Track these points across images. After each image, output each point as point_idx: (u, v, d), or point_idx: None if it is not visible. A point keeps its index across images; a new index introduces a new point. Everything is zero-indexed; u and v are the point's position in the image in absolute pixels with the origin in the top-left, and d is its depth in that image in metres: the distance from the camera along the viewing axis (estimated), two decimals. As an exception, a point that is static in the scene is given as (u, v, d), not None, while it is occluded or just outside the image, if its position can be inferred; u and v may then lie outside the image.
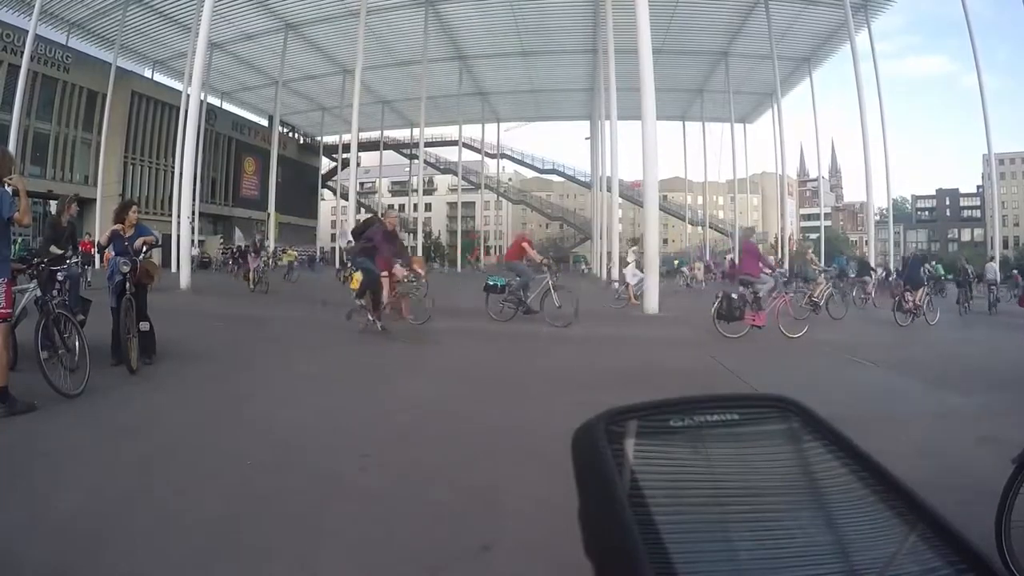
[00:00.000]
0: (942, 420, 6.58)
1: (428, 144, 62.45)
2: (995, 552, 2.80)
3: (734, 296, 12.87)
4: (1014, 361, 11.19)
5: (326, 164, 78.67)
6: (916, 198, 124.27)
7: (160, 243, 9.21)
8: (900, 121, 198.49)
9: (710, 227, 72.80)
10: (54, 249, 9.27)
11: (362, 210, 68.73)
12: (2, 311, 5.78)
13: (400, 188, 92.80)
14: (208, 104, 52.03)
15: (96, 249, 16.56)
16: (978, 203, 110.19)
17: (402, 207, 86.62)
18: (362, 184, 77.93)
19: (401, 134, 73.71)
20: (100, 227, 33.11)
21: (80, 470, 4.37)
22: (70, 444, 4.99)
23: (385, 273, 12.64)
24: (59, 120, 47.55)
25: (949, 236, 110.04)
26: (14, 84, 33.99)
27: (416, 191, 64.28)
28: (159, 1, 42.87)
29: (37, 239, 8.69)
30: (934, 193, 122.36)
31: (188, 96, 33.62)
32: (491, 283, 14.16)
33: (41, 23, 37.08)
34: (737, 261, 16.23)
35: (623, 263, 23.18)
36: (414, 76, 49.32)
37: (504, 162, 79.30)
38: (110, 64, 45.06)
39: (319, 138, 74.81)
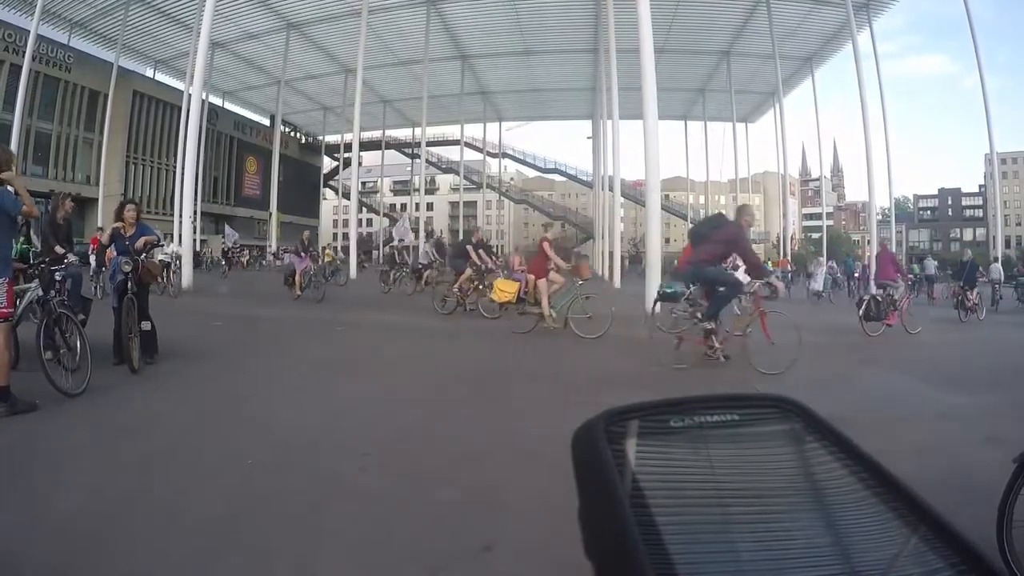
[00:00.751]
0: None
1: (430, 143, 62.52)
2: (996, 552, 2.79)
3: (879, 299, 13.83)
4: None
5: (328, 163, 78.87)
6: (918, 197, 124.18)
7: (162, 242, 9.20)
8: (902, 121, 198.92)
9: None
10: (58, 249, 9.26)
11: (364, 209, 68.85)
12: (3, 310, 5.79)
13: (402, 187, 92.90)
14: (210, 104, 52.15)
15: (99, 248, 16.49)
16: (980, 202, 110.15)
17: (404, 206, 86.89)
18: (364, 184, 77.88)
19: (403, 133, 73.86)
20: (100, 228, 33.15)
21: (80, 469, 4.37)
22: (71, 443, 4.99)
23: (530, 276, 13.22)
24: (61, 120, 47.71)
25: (951, 236, 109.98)
26: (16, 84, 33.99)
27: (418, 190, 64.18)
28: (161, 0, 42.88)
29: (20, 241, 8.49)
30: (936, 193, 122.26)
31: (190, 96, 33.60)
32: (668, 291, 11.97)
33: (43, 23, 37.05)
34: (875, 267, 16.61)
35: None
36: (416, 75, 49.23)
37: (506, 161, 79.37)
38: (112, 64, 45.05)
39: (321, 137, 74.99)
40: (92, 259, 17.56)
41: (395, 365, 9.22)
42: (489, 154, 71.53)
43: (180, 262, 22.50)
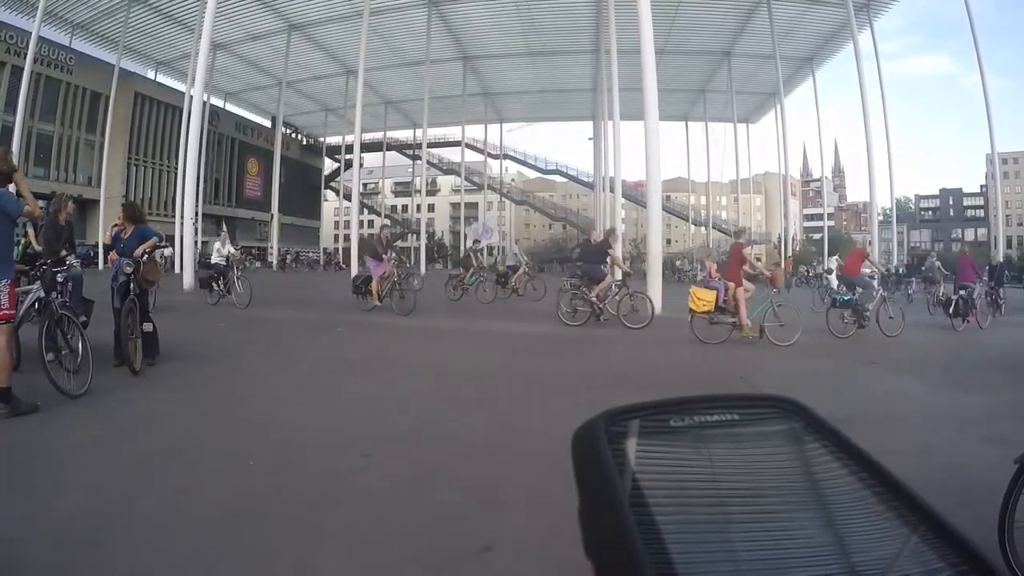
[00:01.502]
0: None
1: (431, 145, 62.55)
2: (998, 553, 2.79)
3: (964, 299, 15.96)
4: None
5: (329, 165, 78.95)
6: (920, 198, 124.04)
7: (164, 243, 9.18)
8: (903, 121, 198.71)
9: (713, 227, 72.61)
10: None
11: (365, 210, 68.85)
12: (5, 312, 5.80)
13: (403, 189, 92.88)
14: (211, 105, 52.14)
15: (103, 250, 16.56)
16: (982, 203, 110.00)
17: (405, 208, 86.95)
18: (365, 185, 77.91)
19: (404, 135, 73.78)
20: (103, 228, 33.21)
21: (81, 470, 4.38)
22: (72, 444, 5.00)
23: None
24: (62, 121, 47.79)
25: (953, 236, 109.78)
26: (18, 86, 34.05)
27: (419, 192, 64.20)
28: (162, 2, 42.94)
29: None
30: (937, 193, 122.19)
31: (191, 97, 33.62)
32: (845, 299, 13.74)
33: (44, 24, 37.13)
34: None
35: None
36: (417, 76, 49.31)
37: (507, 163, 79.33)
38: (113, 65, 45.20)
39: (322, 139, 75.13)
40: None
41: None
42: (490, 155, 71.52)
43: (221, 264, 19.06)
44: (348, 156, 56.72)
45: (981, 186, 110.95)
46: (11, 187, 6.04)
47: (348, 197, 54.31)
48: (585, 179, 73.71)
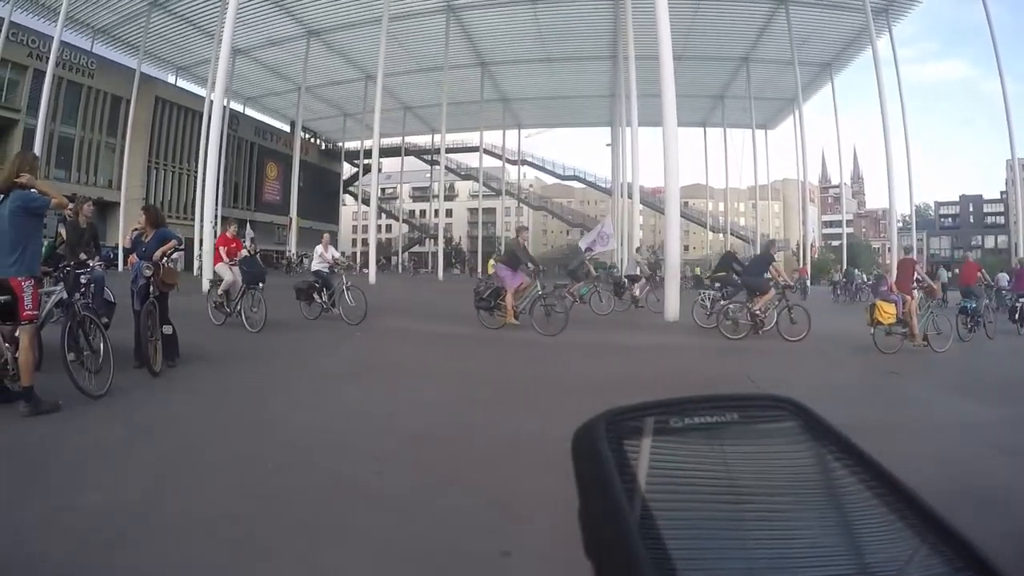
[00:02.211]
0: None
1: (449, 150, 62.60)
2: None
3: None
4: None
5: (347, 170, 79.20)
6: (939, 204, 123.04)
7: (183, 246, 9.26)
8: (923, 126, 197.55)
9: (731, 234, 72.40)
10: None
11: (383, 215, 69.02)
12: (29, 312, 5.89)
13: (421, 194, 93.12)
14: (231, 110, 52.43)
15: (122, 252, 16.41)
16: (1002, 209, 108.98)
17: (423, 213, 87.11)
18: (383, 190, 78.16)
19: (422, 140, 73.97)
20: (123, 231, 33.47)
21: (101, 469, 4.44)
22: (92, 443, 5.06)
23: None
24: (83, 125, 48.12)
25: (972, 243, 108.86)
26: (40, 89, 34.34)
27: (437, 197, 64.35)
28: (183, 7, 43.33)
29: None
30: (957, 199, 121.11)
31: (211, 102, 33.89)
32: (972, 306, 15.97)
33: (66, 29, 37.54)
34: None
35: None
36: (436, 82, 49.52)
37: (525, 168, 79.41)
38: (134, 70, 45.61)
39: (341, 144, 75.36)
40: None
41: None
42: (508, 161, 71.57)
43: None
44: (366, 161, 56.97)
45: (1001, 192, 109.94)
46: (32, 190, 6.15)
47: (366, 202, 54.42)
48: (603, 185, 73.62)
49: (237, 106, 59.89)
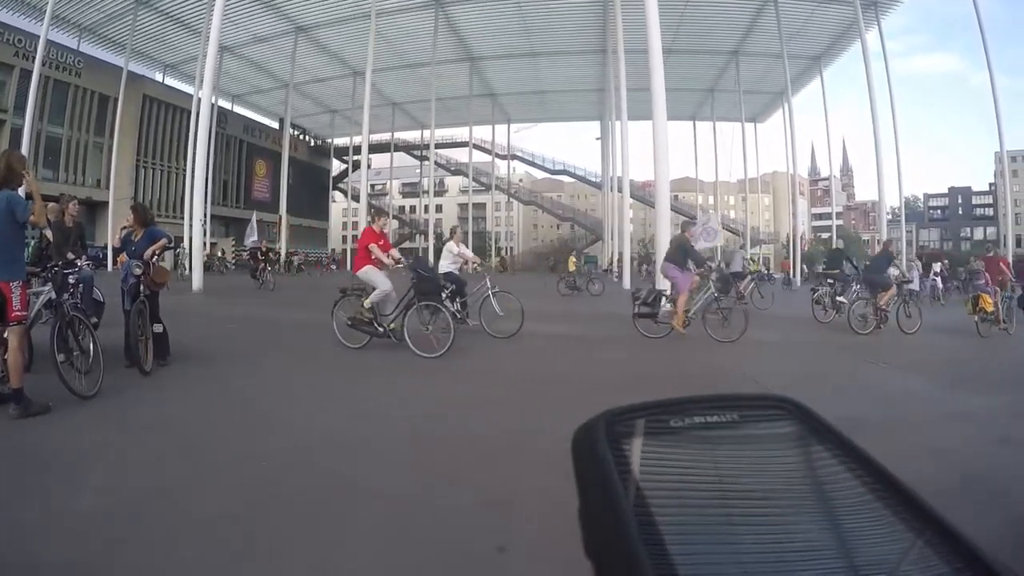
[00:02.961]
0: None
1: (439, 145, 62.67)
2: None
3: None
4: None
5: (337, 166, 79.14)
6: (928, 196, 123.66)
7: (173, 245, 9.25)
8: (912, 119, 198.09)
9: (722, 227, 72.50)
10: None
11: (373, 211, 68.84)
12: (18, 313, 5.84)
13: (411, 190, 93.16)
14: (219, 107, 52.32)
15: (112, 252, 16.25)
16: (991, 201, 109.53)
17: (413, 209, 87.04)
18: (373, 186, 78.16)
19: (412, 136, 74.01)
20: (111, 230, 33.34)
21: (92, 470, 4.40)
22: (83, 444, 5.01)
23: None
24: (71, 124, 47.99)
25: (962, 235, 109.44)
26: (27, 89, 34.15)
27: (427, 192, 64.30)
28: (170, 5, 43.18)
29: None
30: (946, 191, 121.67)
31: (199, 99, 33.76)
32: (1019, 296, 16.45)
33: (53, 28, 37.34)
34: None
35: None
36: (424, 78, 49.48)
37: (515, 163, 79.43)
38: (121, 68, 45.32)
39: (330, 140, 75.26)
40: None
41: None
42: (498, 156, 71.52)
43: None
44: (356, 157, 56.87)
45: (990, 184, 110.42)
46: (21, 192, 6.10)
47: (356, 198, 54.39)
48: (593, 179, 73.74)
49: (225, 103, 59.82)
